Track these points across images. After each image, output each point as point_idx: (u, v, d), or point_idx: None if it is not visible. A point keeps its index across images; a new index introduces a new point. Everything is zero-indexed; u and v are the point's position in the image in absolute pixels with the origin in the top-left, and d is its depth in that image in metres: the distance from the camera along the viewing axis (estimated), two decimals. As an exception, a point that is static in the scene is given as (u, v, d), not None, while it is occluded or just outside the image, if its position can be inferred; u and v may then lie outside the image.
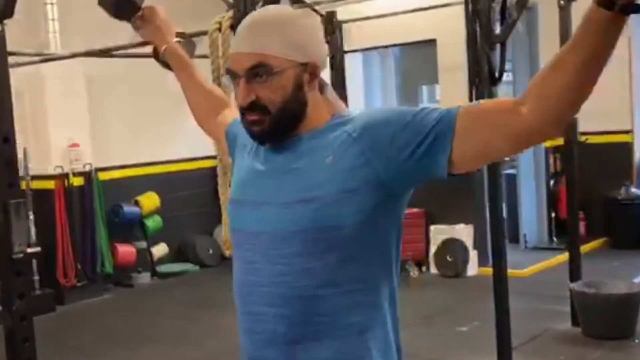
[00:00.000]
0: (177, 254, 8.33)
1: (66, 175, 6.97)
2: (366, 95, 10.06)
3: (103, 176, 7.27)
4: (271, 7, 1.66)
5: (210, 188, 7.47)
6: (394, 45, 8.03)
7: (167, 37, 2.10)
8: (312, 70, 1.56)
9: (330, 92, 1.64)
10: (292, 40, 1.54)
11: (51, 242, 6.72)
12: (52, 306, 6.64)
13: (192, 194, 8.21)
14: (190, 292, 7.29)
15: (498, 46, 4.59)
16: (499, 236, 4.69)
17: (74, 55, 4.43)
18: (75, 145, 7.04)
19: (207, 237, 8.30)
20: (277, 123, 1.54)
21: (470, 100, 4.54)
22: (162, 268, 7.91)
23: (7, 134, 2.44)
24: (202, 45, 2.86)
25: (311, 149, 1.55)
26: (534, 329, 5.40)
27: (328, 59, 1.66)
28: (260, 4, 3.05)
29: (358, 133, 1.52)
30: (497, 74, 4.57)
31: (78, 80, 7.00)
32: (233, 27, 3.19)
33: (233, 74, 1.55)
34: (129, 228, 7.52)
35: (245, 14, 2.97)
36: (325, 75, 7.31)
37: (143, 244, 7.62)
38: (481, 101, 1.53)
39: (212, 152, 6.31)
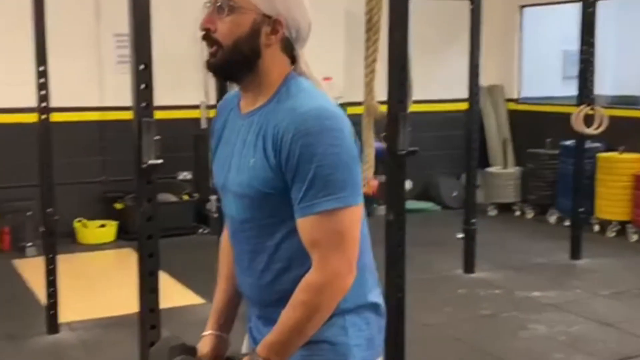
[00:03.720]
0: (422, 193, 8.57)
1: (317, 106, 7.48)
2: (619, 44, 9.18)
3: (351, 110, 7.67)
4: None
5: (462, 131, 7.52)
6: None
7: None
8: (274, 25, 1.62)
9: (305, 65, 1.69)
10: None
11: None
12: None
13: (443, 136, 8.32)
14: (420, 230, 7.46)
15: None
16: None
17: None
18: (328, 79, 7.50)
19: (453, 179, 8.38)
20: (227, 60, 1.63)
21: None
22: (404, 203, 8.18)
23: (147, 61, 2.84)
24: None
25: (247, 141, 1.64)
26: None
27: (307, 28, 1.66)
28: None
29: (281, 141, 1.56)
30: None
31: (337, 15, 7.39)
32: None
33: (209, 4, 1.67)
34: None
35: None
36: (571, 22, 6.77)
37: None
38: (312, 229, 1.56)
39: (465, 96, 6.40)
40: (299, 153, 1.53)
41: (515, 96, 8.84)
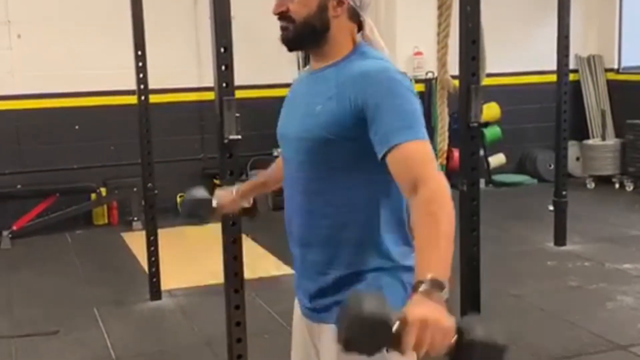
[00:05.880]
0: (518, 166, 8.51)
1: (409, 82, 7.56)
2: None
3: (443, 84, 7.69)
4: None
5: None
6: None
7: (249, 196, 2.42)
8: None
9: (370, 31, 1.88)
10: None
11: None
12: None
13: (539, 108, 8.21)
14: (515, 203, 7.46)
15: None
16: None
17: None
18: (419, 53, 7.56)
19: (549, 151, 8.25)
20: (299, 33, 1.84)
21: None
22: (498, 177, 8.17)
23: (226, 45, 3.06)
24: None
25: (315, 91, 1.83)
26: None
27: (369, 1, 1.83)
28: None
29: (351, 89, 1.74)
30: None
31: (428, -8, 7.43)
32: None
33: None
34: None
35: None
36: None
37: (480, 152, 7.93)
38: (406, 156, 1.66)
39: (553, 67, 6.32)
40: (379, 97, 1.69)
41: (615, 66, 8.60)
